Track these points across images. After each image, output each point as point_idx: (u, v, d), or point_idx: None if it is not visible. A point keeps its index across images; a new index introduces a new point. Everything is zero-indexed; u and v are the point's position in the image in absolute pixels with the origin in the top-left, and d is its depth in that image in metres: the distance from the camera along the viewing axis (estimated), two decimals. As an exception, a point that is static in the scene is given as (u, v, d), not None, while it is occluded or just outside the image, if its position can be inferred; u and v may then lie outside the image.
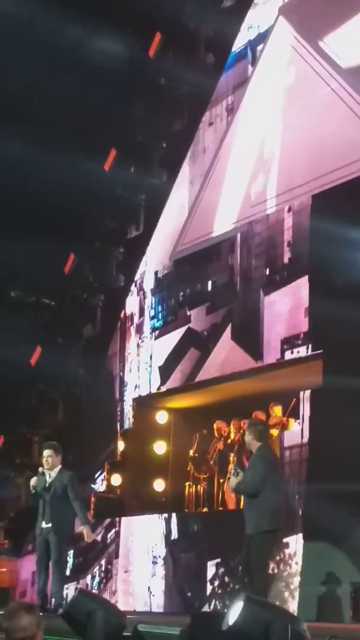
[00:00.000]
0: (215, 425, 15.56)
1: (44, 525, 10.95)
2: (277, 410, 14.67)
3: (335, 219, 13.25)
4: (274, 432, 14.49)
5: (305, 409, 13.64)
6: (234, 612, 5.38)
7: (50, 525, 10.88)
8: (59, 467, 11.14)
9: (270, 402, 14.76)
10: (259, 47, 16.73)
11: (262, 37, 16.65)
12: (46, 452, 11.21)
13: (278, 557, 12.07)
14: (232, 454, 14.94)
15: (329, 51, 14.80)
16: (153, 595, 14.70)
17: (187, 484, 16.08)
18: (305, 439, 13.08)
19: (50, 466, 11.08)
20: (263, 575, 9.59)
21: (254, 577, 9.61)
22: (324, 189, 14.32)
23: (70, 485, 10.99)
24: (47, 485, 11.01)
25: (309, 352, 14.12)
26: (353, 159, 13.89)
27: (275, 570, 12.03)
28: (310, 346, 14.14)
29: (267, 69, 16.45)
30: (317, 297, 13.91)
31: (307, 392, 13.38)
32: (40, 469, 11.22)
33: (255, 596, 5.85)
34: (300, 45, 15.45)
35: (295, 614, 5.70)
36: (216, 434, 15.58)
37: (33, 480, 11.22)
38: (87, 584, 16.07)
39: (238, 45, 17.36)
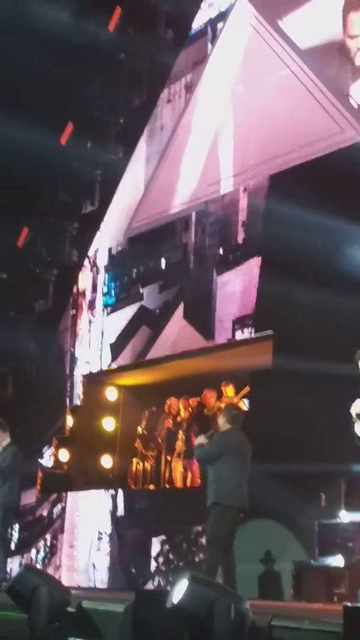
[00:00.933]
0: (168, 402, 15.53)
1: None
2: (229, 391, 14.70)
3: (289, 201, 13.27)
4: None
5: (254, 389, 13.75)
6: (178, 591, 5.42)
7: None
8: (7, 441, 11.13)
9: (221, 381, 14.81)
10: (219, 25, 16.68)
11: (223, 16, 16.59)
12: (-8, 428, 11.21)
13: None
14: (180, 432, 14.98)
15: (289, 32, 14.79)
16: (97, 571, 14.75)
17: (134, 460, 16.11)
18: (253, 419, 13.16)
19: (-4, 440, 11.08)
20: (212, 549, 9.63)
21: (204, 552, 9.70)
22: (279, 170, 14.35)
23: (12, 459, 11.00)
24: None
25: (254, 334, 14.18)
26: (308, 141, 13.93)
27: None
28: (254, 327, 14.21)
29: (226, 47, 16.40)
30: (268, 279, 13.97)
31: (256, 373, 13.48)
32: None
33: (200, 575, 5.89)
34: (261, 25, 15.43)
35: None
36: (167, 411, 15.58)
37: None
38: (31, 559, 16.09)
39: (198, 22, 17.28)
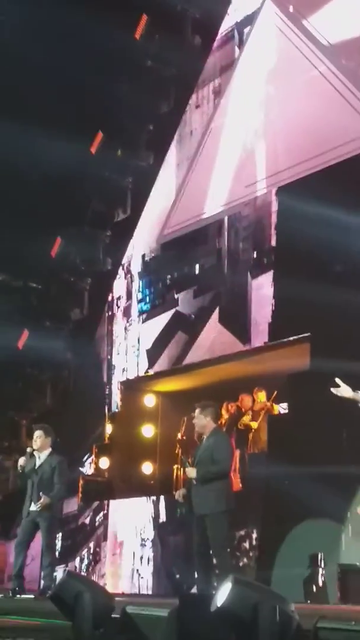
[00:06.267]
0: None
1: (32, 508, 10.90)
2: (261, 396, 14.71)
3: (322, 203, 13.20)
4: (254, 424, 14.53)
5: (292, 391, 13.70)
6: (222, 594, 5.40)
7: (38, 508, 10.85)
8: (49, 450, 11.12)
9: (258, 385, 14.79)
10: (246, 30, 16.68)
11: (249, 19, 16.58)
12: (36, 433, 11.16)
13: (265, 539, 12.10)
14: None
15: (314, 31, 14.75)
16: (141, 578, 14.75)
17: (175, 467, 16.08)
18: (293, 422, 13.13)
19: (39, 447, 11.04)
20: (228, 555, 9.63)
21: (220, 558, 9.61)
22: (311, 172, 14.30)
23: (58, 469, 10.97)
24: (35, 467, 10.99)
25: (291, 337, 14.13)
26: (339, 142, 13.88)
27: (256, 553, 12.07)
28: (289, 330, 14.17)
29: (253, 51, 16.40)
30: (299, 281, 13.90)
31: (294, 375, 13.42)
32: (29, 449, 11.17)
33: (243, 577, 5.87)
34: (287, 26, 15.41)
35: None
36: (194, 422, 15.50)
37: (22, 460, 11.17)
38: (75, 567, 16.12)
39: (225, 27, 17.29)
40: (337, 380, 7.73)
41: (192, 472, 9.64)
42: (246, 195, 15.84)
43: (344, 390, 7.71)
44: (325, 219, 12.89)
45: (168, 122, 18.39)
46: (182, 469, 15.99)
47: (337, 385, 7.79)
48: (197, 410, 9.83)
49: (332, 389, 7.81)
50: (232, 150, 16.34)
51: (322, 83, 14.43)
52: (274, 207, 15.24)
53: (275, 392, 14.41)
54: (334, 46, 14.41)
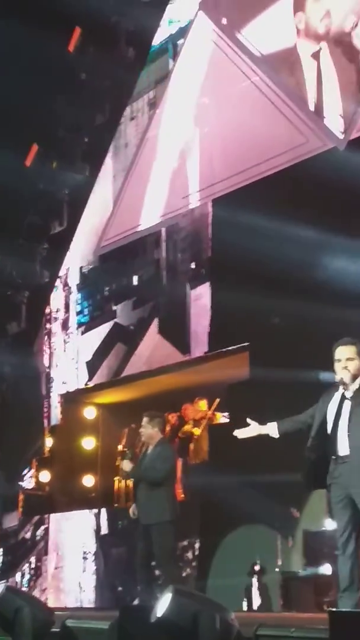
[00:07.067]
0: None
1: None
2: (202, 405, 14.76)
3: (257, 213, 13.29)
4: (196, 431, 14.58)
5: (233, 401, 13.75)
6: (163, 604, 5.42)
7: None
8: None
9: (198, 395, 14.84)
10: (180, 42, 16.75)
11: (183, 32, 16.67)
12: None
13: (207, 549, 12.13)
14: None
15: (247, 43, 14.87)
16: (84, 591, 14.69)
17: (116, 478, 16.05)
18: (232, 431, 13.16)
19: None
20: (175, 564, 9.65)
21: (165, 568, 9.63)
22: (245, 183, 14.39)
23: None
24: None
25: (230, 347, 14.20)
26: (274, 153, 13.99)
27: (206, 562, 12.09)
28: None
29: (187, 63, 16.48)
30: (236, 291, 13.99)
31: (234, 384, 13.48)
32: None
33: (184, 587, 5.89)
34: (220, 38, 15.51)
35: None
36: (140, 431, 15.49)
37: None
38: (16, 582, 15.98)
39: (159, 39, 17.35)
40: (248, 420, 7.72)
41: (127, 465, 9.80)
42: (183, 207, 15.90)
43: (248, 430, 7.71)
44: (260, 230, 12.97)
45: (103, 134, 18.37)
46: (123, 480, 16.01)
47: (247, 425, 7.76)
48: (145, 420, 9.88)
49: (235, 433, 7.79)
50: (167, 162, 16.39)
51: (255, 94, 14.54)
52: (211, 218, 15.32)
53: (217, 401, 14.46)
54: (265, 57, 14.53)
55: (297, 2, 14.13)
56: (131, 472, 9.92)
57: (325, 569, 10.77)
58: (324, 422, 7.16)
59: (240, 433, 7.68)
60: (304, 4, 14.00)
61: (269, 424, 7.53)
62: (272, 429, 7.54)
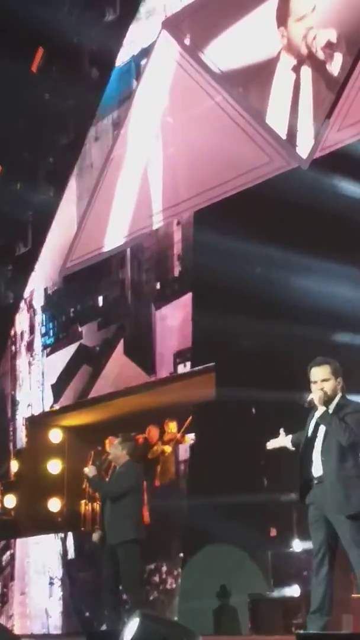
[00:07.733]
0: (107, 441, 15.37)
1: None
2: (172, 427, 14.69)
3: (220, 234, 13.26)
4: (167, 448, 14.50)
5: (199, 422, 13.69)
6: (130, 629, 5.33)
7: None
8: None
9: (165, 416, 14.76)
10: (143, 62, 16.75)
11: (145, 52, 16.67)
12: None
13: (175, 572, 12.03)
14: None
15: (210, 62, 14.87)
16: (50, 617, 14.50)
17: (82, 502, 15.91)
18: (201, 452, 13.10)
19: None
20: (140, 585, 9.60)
21: (132, 592, 9.58)
22: (209, 203, 14.37)
23: None
24: None
25: (195, 367, 14.14)
26: (237, 173, 13.98)
27: (173, 585, 11.98)
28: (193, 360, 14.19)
29: (151, 82, 16.47)
30: (202, 311, 13.97)
31: (200, 405, 13.42)
32: None
33: (151, 612, 5.80)
34: (183, 58, 15.52)
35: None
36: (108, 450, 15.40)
37: None
38: (-18, 609, 15.78)
39: (122, 59, 17.34)
40: (281, 430, 7.67)
41: (91, 470, 9.87)
42: (147, 227, 15.86)
43: (278, 441, 7.66)
44: (225, 249, 12.94)
45: (68, 155, 18.32)
46: (89, 504, 15.87)
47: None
48: (117, 440, 10.00)
49: (268, 444, 7.75)
50: (132, 182, 16.35)
51: (218, 113, 14.53)
52: (176, 237, 15.29)
53: (187, 422, 14.38)
54: (228, 76, 14.54)
55: (279, 17, 14.08)
56: (92, 482, 9.99)
57: (294, 590, 10.69)
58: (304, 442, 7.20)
59: (270, 444, 7.63)
60: (286, 20, 13.98)
61: (288, 436, 7.47)
62: (289, 441, 7.48)
